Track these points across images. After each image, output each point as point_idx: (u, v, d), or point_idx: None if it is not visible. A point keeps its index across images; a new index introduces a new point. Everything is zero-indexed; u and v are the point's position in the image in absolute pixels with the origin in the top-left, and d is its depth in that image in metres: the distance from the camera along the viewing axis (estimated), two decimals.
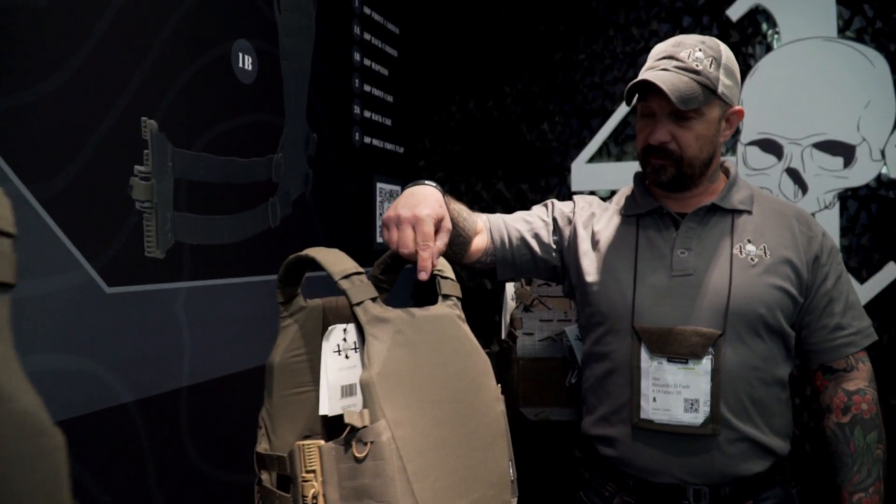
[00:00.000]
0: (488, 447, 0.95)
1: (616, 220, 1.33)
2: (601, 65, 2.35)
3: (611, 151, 2.34)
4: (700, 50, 1.20)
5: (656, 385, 1.18)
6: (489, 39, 2.47)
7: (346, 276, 0.89)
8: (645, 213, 1.29)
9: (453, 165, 2.52)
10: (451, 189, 2.51)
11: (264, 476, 0.97)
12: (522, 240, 1.33)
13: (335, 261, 0.91)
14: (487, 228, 1.32)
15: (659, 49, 1.26)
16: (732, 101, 1.24)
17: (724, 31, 2.21)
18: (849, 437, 1.24)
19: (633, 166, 2.35)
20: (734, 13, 2.19)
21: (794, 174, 2.10)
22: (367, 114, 2.12)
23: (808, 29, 2.10)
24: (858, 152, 2.04)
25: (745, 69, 2.17)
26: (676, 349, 1.18)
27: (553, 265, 1.36)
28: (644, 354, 1.20)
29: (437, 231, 1.01)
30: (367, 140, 2.11)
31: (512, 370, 1.53)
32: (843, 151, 2.05)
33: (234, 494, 1.40)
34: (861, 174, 2.04)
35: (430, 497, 0.84)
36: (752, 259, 1.22)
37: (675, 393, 1.17)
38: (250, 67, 1.46)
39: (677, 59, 1.20)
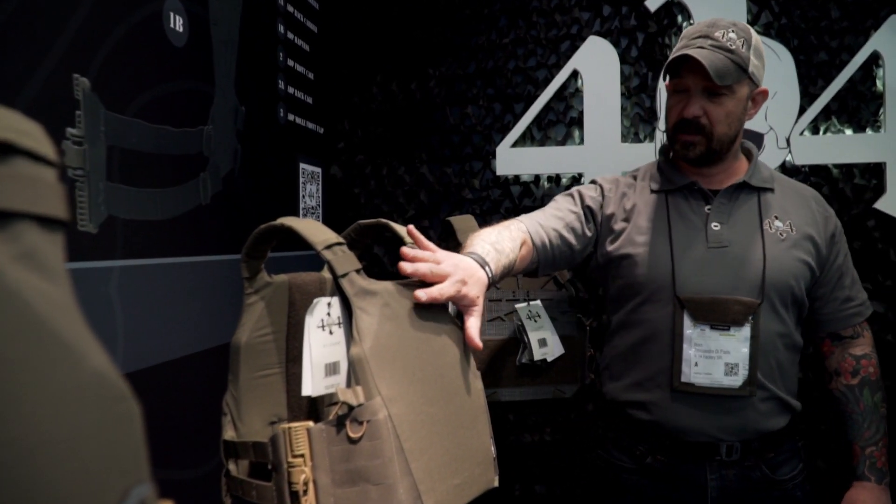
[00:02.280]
0: (472, 424, 0.92)
1: (645, 195, 1.38)
2: (524, 49, 2.36)
3: (534, 136, 2.35)
4: (732, 31, 1.25)
5: (698, 350, 1.24)
6: (412, 21, 2.42)
7: (329, 247, 0.83)
8: (675, 188, 1.34)
9: (374, 148, 2.45)
10: (373, 172, 2.44)
11: (232, 466, 0.89)
12: (561, 238, 1.34)
13: (316, 230, 0.85)
14: (529, 237, 1.30)
15: (693, 30, 1.30)
16: (759, 81, 1.30)
17: (641, 21, 2.28)
18: (858, 397, 1.35)
19: (557, 151, 2.38)
20: (652, 4, 2.25)
21: None
22: (290, 90, 2.02)
23: None
24: (766, 140, 2.16)
25: (662, 59, 2.24)
26: (720, 317, 1.24)
27: (590, 253, 1.41)
28: (687, 321, 1.25)
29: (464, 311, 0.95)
30: (290, 118, 2.01)
31: None
32: (753, 139, 2.16)
33: (175, 495, 1.29)
34: (768, 161, 2.16)
35: (425, 477, 0.80)
36: (780, 234, 1.30)
37: (716, 358, 1.24)
38: (181, 29, 1.34)
39: (712, 38, 1.25)
